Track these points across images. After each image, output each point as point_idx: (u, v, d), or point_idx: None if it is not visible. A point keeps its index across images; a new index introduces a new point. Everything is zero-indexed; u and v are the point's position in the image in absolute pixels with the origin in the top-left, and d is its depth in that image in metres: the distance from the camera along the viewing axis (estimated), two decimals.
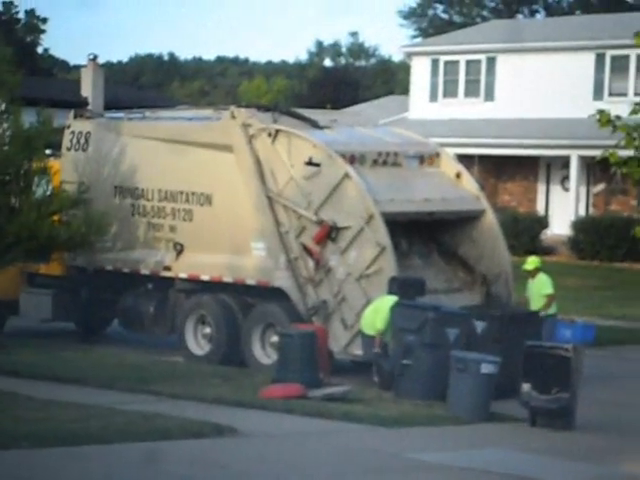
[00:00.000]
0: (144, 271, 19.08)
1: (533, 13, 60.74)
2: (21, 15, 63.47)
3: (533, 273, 17.69)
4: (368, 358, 16.17)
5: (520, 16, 59.48)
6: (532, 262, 17.82)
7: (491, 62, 37.97)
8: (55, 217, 18.70)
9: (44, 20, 64.87)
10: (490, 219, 18.18)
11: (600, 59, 35.75)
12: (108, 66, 64.85)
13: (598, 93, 35.43)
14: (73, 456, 11.58)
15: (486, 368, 14.52)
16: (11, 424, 12.46)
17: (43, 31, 65.10)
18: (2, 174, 18.36)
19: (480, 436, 13.77)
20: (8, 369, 16.21)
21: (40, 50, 65.99)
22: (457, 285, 17.88)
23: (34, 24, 64.61)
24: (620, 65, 35.33)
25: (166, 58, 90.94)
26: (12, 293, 19.97)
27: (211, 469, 11.40)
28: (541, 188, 37.65)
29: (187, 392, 15.14)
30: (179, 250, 18.64)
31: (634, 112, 15.79)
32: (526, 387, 14.39)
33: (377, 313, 16.00)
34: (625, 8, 50.98)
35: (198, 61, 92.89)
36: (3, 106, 18.40)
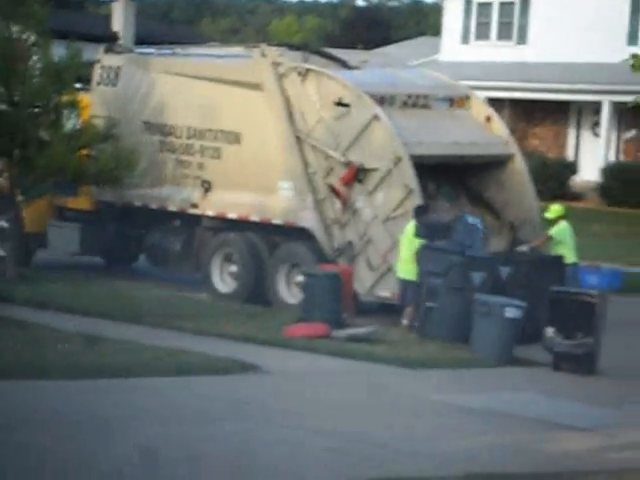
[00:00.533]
0: (171, 208, 19.13)
1: None
2: None
3: (554, 222, 17.25)
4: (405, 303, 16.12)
5: None
6: (554, 211, 17.32)
7: (525, 4, 37.53)
8: (84, 151, 18.74)
9: None
10: (519, 164, 18.09)
11: (635, 3, 35.26)
12: (139, 1, 64.59)
13: (633, 38, 34.98)
14: (98, 389, 11.72)
15: (510, 312, 14.55)
16: (39, 356, 12.60)
17: None
18: (32, 107, 18.38)
19: (503, 379, 13.83)
20: (36, 301, 16.35)
21: None
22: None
23: None
24: None
25: None
26: (41, 226, 20.10)
27: (233, 405, 11.50)
28: (571, 133, 37.37)
29: (211, 329, 15.25)
30: (207, 188, 18.67)
31: None
32: (550, 332, 14.42)
33: (407, 248, 16.03)
34: None
35: None
36: (33, 38, 18.37)
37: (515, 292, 15.31)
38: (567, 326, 14.38)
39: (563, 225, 17.15)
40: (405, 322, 16.00)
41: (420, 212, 16.17)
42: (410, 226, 16.10)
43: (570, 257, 16.99)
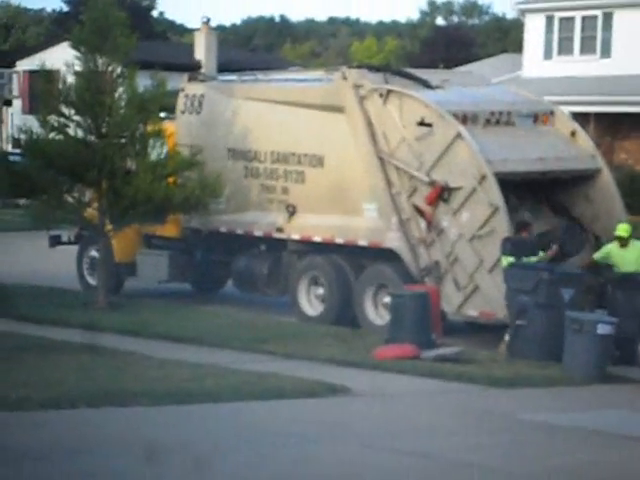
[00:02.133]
0: (257, 232, 19.26)
1: None
2: None
3: (625, 241, 16.09)
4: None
5: None
6: (623, 229, 16.17)
7: (608, 18, 37.13)
8: (170, 179, 18.96)
9: None
10: (606, 178, 17.87)
11: None
12: (221, 29, 65.32)
13: None
14: (189, 414, 11.81)
15: (602, 329, 14.35)
16: (130, 382, 12.76)
17: None
18: (118, 137, 18.68)
19: (596, 398, 13.63)
20: (127, 329, 16.57)
21: (155, 14, 66.79)
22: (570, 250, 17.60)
23: None
24: None
25: (278, 20, 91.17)
26: (130, 255, 20.37)
27: (326, 428, 11.50)
28: None
29: (300, 352, 15.29)
30: (291, 212, 18.76)
31: None
32: None
33: None
34: None
35: (310, 22, 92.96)
36: (119, 70, 18.68)
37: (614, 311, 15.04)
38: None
39: (607, 248, 16.31)
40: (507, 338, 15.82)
41: (520, 228, 16.14)
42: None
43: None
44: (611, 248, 16.29)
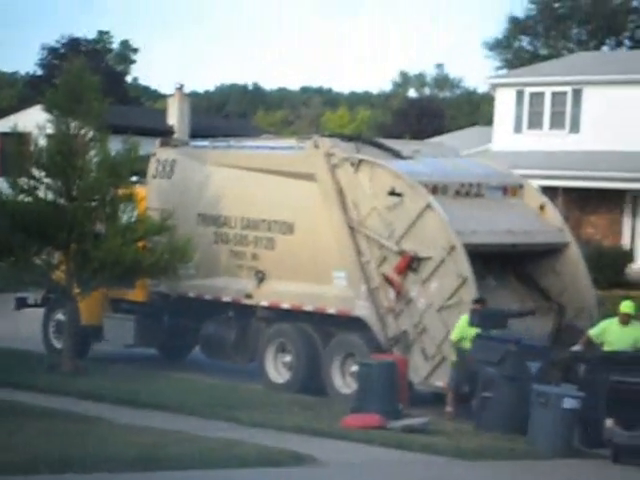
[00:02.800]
0: (226, 298, 19.21)
1: (619, 44, 60.16)
2: (114, 45, 64.69)
3: (628, 319, 15.60)
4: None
5: (606, 48, 58.96)
6: (629, 306, 15.68)
7: (577, 94, 37.66)
8: (140, 243, 18.93)
9: (135, 50, 66.00)
10: (574, 252, 17.98)
11: None
12: (194, 95, 65.67)
13: None
14: None
15: (568, 403, 14.33)
16: (94, 448, 12.59)
17: (133, 61, 66.25)
18: (89, 200, 18.65)
19: (560, 472, 13.58)
20: (92, 394, 16.40)
21: (129, 79, 67.10)
22: (530, 308, 17.69)
23: (126, 54, 65.80)
24: None
25: (250, 88, 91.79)
26: (96, 318, 20.24)
27: None
28: (627, 221, 37.13)
29: (267, 420, 15.18)
30: (261, 278, 18.74)
31: None
32: (609, 423, 14.17)
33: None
34: None
35: (282, 91, 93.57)
36: (91, 133, 18.72)
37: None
38: (627, 417, 14.13)
39: (605, 324, 15.80)
40: (449, 409, 15.81)
41: (475, 303, 16.08)
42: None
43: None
44: (609, 324, 15.68)
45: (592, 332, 15.80)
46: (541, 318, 17.58)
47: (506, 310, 16.70)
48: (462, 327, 15.98)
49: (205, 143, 20.52)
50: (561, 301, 17.84)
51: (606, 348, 15.47)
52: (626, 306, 15.68)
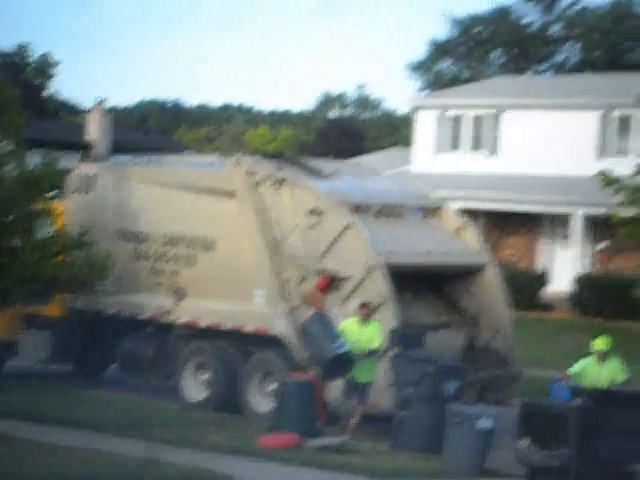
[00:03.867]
0: (144, 315, 19.06)
1: (539, 71, 61.16)
2: (33, 58, 63.92)
3: (605, 355, 15.19)
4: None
5: (526, 74, 59.90)
6: (604, 343, 15.25)
7: (496, 117, 38.16)
8: (58, 258, 18.70)
9: (55, 64, 65.26)
10: (491, 274, 18.18)
11: (604, 118, 35.94)
12: (115, 111, 65.19)
13: (601, 152, 35.57)
14: None
15: (482, 423, 14.46)
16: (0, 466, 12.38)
17: (52, 75, 65.52)
18: (6, 215, 18.39)
19: None
20: (3, 410, 16.12)
21: (48, 93, 66.34)
22: (444, 321, 17.86)
23: (45, 68, 65.03)
24: (624, 125, 35.52)
25: (171, 105, 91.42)
26: (11, 334, 19.94)
27: None
28: (543, 244, 37.68)
29: (183, 439, 15.07)
30: (180, 295, 18.64)
31: (638, 173, 15.86)
32: (524, 443, 14.32)
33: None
34: (630, 68, 51.32)
35: (203, 108, 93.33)
36: (9, 147, 18.47)
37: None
38: (542, 437, 14.29)
39: (618, 362, 15.35)
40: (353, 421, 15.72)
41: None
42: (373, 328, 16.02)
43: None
44: (587, 364, 15.27)
45: (572, 371, 15.30)
46: (454, 331, 17.74)
47: (422, 329, 16.78)
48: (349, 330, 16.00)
49: (126, 159, 20.38)
50: (477, 322, 18.00)
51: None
52: (601, 343, 15.24)
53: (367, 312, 16.10)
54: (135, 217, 19.32)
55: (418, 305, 17.54)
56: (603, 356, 15.16)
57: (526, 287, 34.67)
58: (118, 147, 34.48)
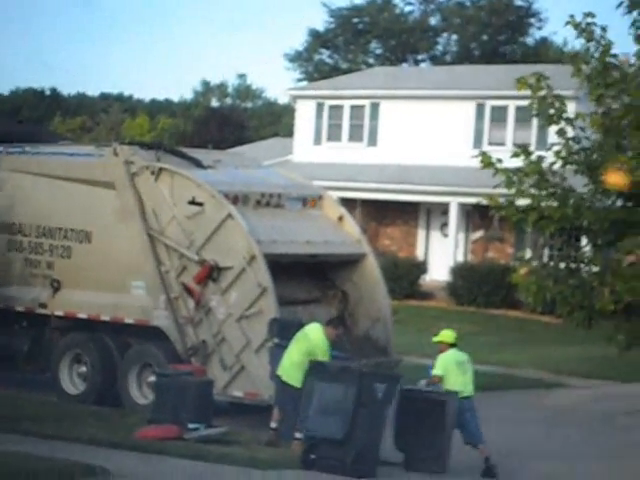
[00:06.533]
0: (19, 308, 18.70)
1: (417, 62, 61.84)
2: None
3: (442, 348, 15.07)
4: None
5: (405, 65, 60.49)
6: (443, 335, 15.14)
7: (375, 108, 38.46)
8: None
9: None
10: (371, 263, 18.32)
11: (480, 109, 36.52)
12: None
13: (478, 142, 36.13)
14: None
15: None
16: None
17: None
18: None
19: (354, 479, 13.73)
20: None
21: None
22: (315, 296, 17.97)
23: None
24: (499, 115, 36.15)
25: (48, 93, 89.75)
26: None
27: None
28: (421, 233, 38.15)
29: (59, 432, 14.82)
30: (56, 287, 18.33)
31: (516, 155, 16.12)
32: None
33: (310, 354, 14.81)
34: (506, 60, 52.27)
35: (81, 96, 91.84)
36: None
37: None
38: (417, 425, 14.46)
39: (447, 356, 14.98)
40: (274, 425, 15.14)
41: (335, 323, 15.64)
42: (319, 334, 15.05)
43: (465, 388, 14.89)
44: (448, 356, 14.98)
45: (438, 372, 14.94)
46: (325, 306, 17.84)
47: (301, 320, 16.76)
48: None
49: None
50: (357, 311, 18.14)
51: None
52: (449, 336, 15.14)
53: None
54: (9, 208, 18.92)
55: (291, 284, 17.55)
56: (444, 349, 14.97)
57: (406, 276, 35.10)
58: None
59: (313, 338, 15.00)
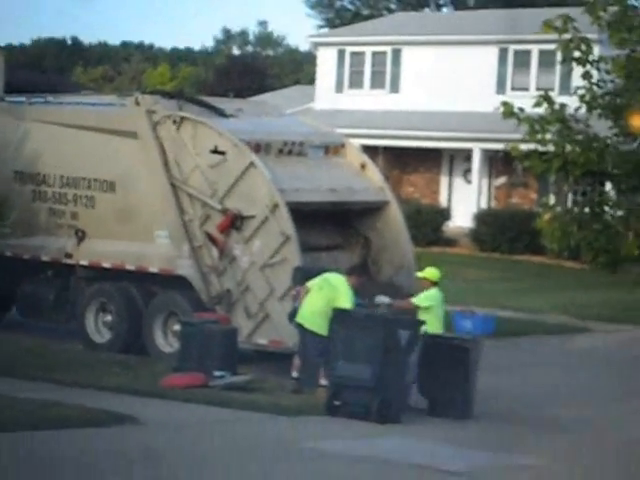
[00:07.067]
0: (45, 258, 18.82)
1: (439, 7, 61.30)
2: None
3: (426, 284, 15.24)
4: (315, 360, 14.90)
5: (427, 9, 59.97)
6: (430, 273, 15.27)
7: (396, 54, 38.24)
8: None
9: None
10: (394, 210, 18.30)
11: (503, 53, 36.25)
12: (9, 49, 63.72)
13: (501, 87, 35.93)
14: None
15: None
16: None
17: None
18: None
19: (379, 425, 13.85)
20: None
21: None
22: (337, 242, 18.00)
23: None
24: (522, 60, 35.89)
25: (69, 42, 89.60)
26: None
27: (111, 457, 11.30)
28: (444, 180, 38.07)
29: (87, 380, 14.98)
30: (80, 237, 18.43)
31: (537, 104, 15.97)
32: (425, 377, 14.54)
33: (334, 299, 14.74)
34: (528, 4, 51.72)
35: (102, 46, 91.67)
36: None
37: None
38: (442, 371, 14.53)
39: (433, 293, 15.16)
40: (295, 374, 15.18)
41: (358, 271, 15.62)
42: (341, 281, 14.99)
43: (435, 327, 14.89)
44: (434, 293, 15.15)
45: (423, 303, 15.17)
46: (347, 252, 17.89)
47: (325, 267, 16.78)
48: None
49: (22, 99, 19.94)
50: (381, 259, 18.16)
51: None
52: (433, 274, 15.27)
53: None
54: (33, 158, 18.98)
55: (314, 231, 17.56)
56: (426, 286, 15.17)
57: (429, 223, 35.09)
58: (13, 87, 33.74)
59: (336, 285, 15.04)
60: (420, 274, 15.51)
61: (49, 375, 15.16)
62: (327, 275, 15.32)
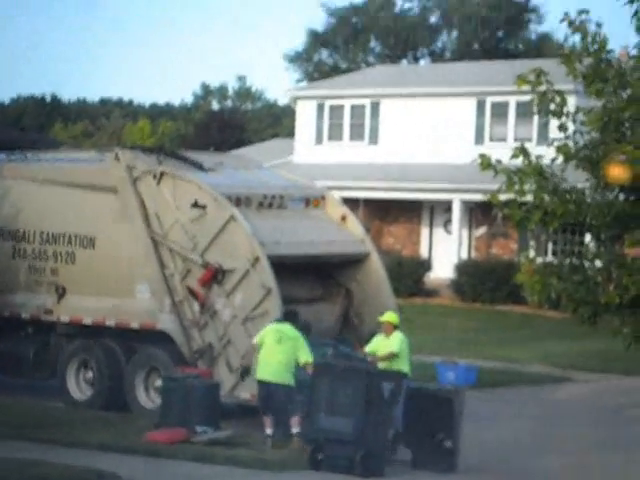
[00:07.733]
0: (25, 315, 18.72)
1: (417, 59, 61.84)
2: None
3: (388, 329, 15.59)
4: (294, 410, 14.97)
5: (404, 62, 60.48)
6: (393, 317, 15.70)
7: (375, 107, 38.46)
8: None
9: None
10: (375, 262, 18.32)
11: (481, 105, 36.51)
12: None
13: (479, 138, 36.14)
14: None
15: None
16: None
17: None
18: None
19: (363, 479, 13.74)
20: None
21: None
22: (319, 295, 17.96)
23: None
24: (500, 111, 36.14)
25: (48, 99, 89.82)
26: None
27: None
28: (424, 231, 38.14)
29: (68, 438, 14.86)
30: (61, 293, 18.35)
31: (514, 156, 16.08)
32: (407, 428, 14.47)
33: (293, 351, 15.04)
34: (507, 56, 52.23)
35: (81, 103, 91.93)
36: None
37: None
38: (426, 423, 14.47)
39: (400, 336, 15.50)
40: (269, 431, 15.10)
41: (290, 317, 15.81)
42: (295, 332, 15.26)
43: (407, 368, 15.35)
44: (377, 338, 15.62)
45: (367, 348, 15.63)
46: (329, 304, 17.88)
47: (308, 321, 16.75)
48: None
49: (1, 156, 19.94)
50: (362, 312, 18.13)
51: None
52: (386, 317, 15.67)
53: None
54: (12, 215, 18.94)
55: (295, 283, 17.54)
56: (389, 330, 15.51)
57: (410, 274, 35.09)
58: None
59: (294, 337, 15.20)
60: (382, 318, 15.73)
61: (28, 434, 15.00)
62: (278, 327, 15.35)
